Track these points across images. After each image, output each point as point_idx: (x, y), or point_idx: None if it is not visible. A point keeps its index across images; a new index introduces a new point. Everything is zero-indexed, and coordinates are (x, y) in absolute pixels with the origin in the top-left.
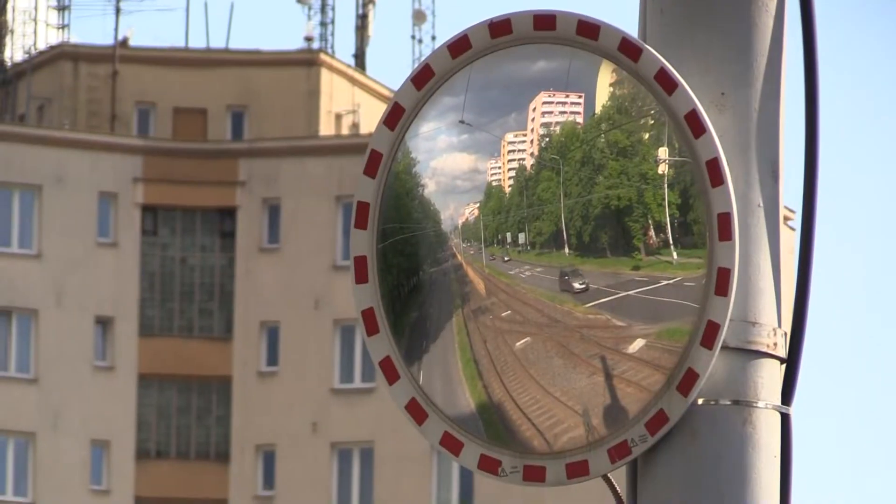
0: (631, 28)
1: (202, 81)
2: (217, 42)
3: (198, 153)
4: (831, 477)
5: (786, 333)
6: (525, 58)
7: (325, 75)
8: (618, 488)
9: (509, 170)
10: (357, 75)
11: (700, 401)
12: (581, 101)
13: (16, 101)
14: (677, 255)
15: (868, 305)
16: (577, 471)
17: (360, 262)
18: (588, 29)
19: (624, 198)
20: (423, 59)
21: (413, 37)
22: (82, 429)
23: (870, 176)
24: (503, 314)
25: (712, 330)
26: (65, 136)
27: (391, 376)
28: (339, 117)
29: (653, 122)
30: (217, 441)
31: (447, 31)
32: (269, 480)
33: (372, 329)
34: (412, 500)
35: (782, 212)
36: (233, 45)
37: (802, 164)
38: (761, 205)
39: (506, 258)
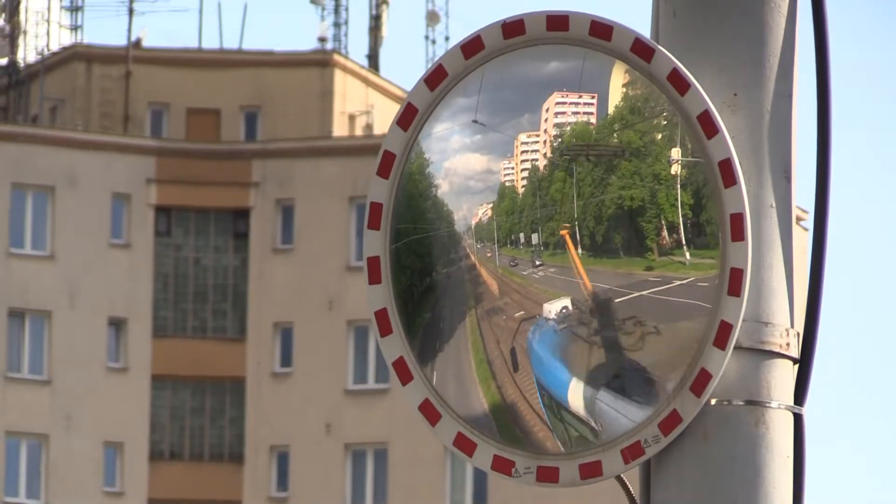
0: (644, 29)
1: (215, 82)
2: (230, 43)
3: (211, 154)
4: (844, 478)
5: (798, 334)
6: (538, 58)
7: (339, 76)
8: (631, 489)
9: (522, 170)
10: (370, 76)
11: (713, 401)
12: (594, 101)
13: (29, 102)
14: (690, 255)
15: (881, 305)
16: (591, 471)
17: (374, 263)
18: (601, 29)
19: (637, 198)
20: (436, 59)
21: (426, 37)
22: (95, 430)
23: (883, 176)
24: (516, 314)
25: (725, 330)
26: (78, 137)
27: (405, 377)
28: (352, 118)
29: (665, 122)
30: (231, 442)
31: (461, 31)
32: (282, 482)
33: (385, 330)
34: (426, 501)
35: (795, 212)
36: (246, 46)
37: (815, 164)
38: (774, 205)
39: (538, 262)
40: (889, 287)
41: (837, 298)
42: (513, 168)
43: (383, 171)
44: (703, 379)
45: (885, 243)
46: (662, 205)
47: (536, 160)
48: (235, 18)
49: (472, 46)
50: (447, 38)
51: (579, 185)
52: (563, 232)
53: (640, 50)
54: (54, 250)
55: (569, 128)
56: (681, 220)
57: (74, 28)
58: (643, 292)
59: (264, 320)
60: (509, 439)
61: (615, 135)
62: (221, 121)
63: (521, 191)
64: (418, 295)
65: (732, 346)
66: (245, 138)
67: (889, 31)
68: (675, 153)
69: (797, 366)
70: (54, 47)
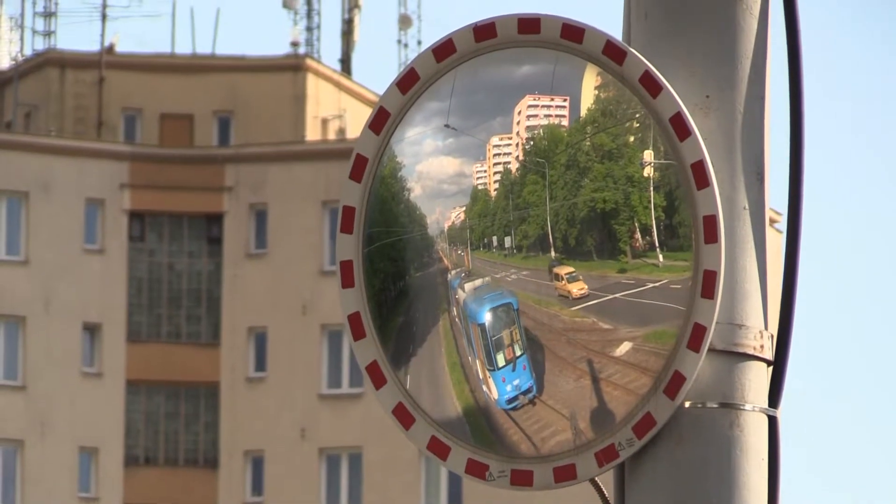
0: (615, 31)
1: (188, 87)
2: (203, 48)
3: (184, 159)
4: (819, 479)
5: (772, 336)
6: (510, 61)
7: (312, 80)
8: (605, 492)
9: (495, 173)
10: (343, 80)
11: (687, 404)
12: (566, 104)
13: (2, 108)
14: (663, 257)
15: (854, 307)
16: (565, 475)
17: (347, 267)
18: (573, 32)
19: (610, 201)
20: (408, 63)
21: (399, 41)
22: (70, 436)
23: (855, 177)
24: None
25: (699, 333)
26: (51, 143)
27: (378, 381)
28: (325, 122)
29: (638, 124)
30: (205, 447)
31: (433, 35)
32: (257, 486)
33: (359, 333)
34: None
35: (768, 214)
36: (219, 51)
37: (788, 166)
38: (747, 207)
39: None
40: (863, 288)
41: (811, 301)
42: (485, 171)
43: (356, 175)
44: (676, 381)
45: (858, 244)
46: (635, 207)
47: (509, 163)
48: (208, 23)
49: (443, 50)
50: (419, 42)
51: (552, 188)
52: None
53: (612, 52)
54: (28, 256)
55: (541, 131)
56: (654, 222)
57: (48, 34)
58: (616, 295)
59: (238, 325)
60: (483, 443)
61: (587, 138)
62: (194, 126)
63: (493, 194)
64: (391, 299)
65: (706, 348)
66: (218, 143)
67: (861, 32)
68: (648, 155)
69: (771, 368)
70: (28, 53)
